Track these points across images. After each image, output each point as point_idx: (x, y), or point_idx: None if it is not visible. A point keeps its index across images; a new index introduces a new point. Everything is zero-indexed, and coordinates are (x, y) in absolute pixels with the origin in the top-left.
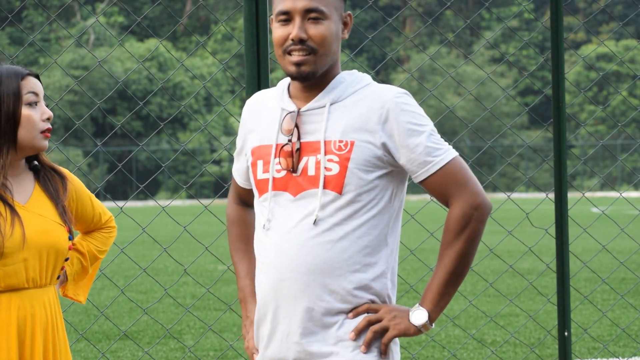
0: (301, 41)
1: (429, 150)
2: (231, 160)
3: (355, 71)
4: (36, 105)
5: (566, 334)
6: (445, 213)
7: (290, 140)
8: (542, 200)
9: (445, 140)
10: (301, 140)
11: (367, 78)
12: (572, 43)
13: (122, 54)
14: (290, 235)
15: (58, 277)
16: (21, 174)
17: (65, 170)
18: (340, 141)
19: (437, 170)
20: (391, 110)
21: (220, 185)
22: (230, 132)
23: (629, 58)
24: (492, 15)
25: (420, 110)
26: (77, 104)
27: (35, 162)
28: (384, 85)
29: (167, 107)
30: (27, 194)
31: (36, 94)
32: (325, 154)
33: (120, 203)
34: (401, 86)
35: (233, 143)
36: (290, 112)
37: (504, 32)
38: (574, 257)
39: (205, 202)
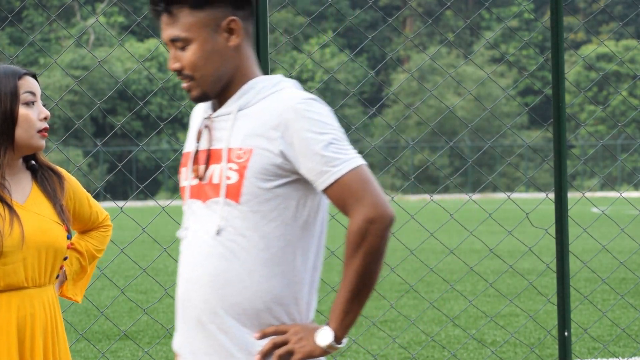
0: (178, 71)
1: (327, 159)
2: None
3: (272, 76)
4: (33, 104)
5: (566, 334)
6: (446, 215)
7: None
8: (542, 200)
9: (447, 140)
10: (211, 148)
11: (282, 83)
12: (572, 43)
13: (122, 54)
14: (195, 246)
15: (57, 277)
16: (19, 173)
17: (62, 170)
18: (240, 149)
19: (335, 181)
20: (291, 118)
21: None
22: None
23: (629, 58)
24: (492, 15)
25: (325, 117)
26: (77, 104)
27: (33, 162)
28: (293, 91)
29: (167, 107)
30: (25, 193)
31: (33, 94)
32: (228, 162)
33: (120, 203)
34: (401, 86)
35: None
36: (204, 119)
37: (504, 32)
38: (574, 257)
39: None
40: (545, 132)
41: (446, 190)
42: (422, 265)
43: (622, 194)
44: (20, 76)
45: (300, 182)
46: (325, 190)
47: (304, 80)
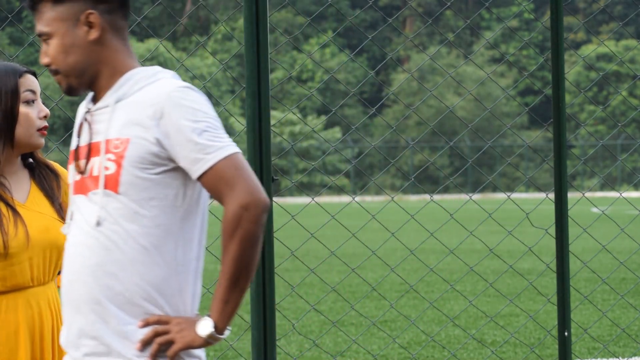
0: (47, 65)
1: (201, 147)
2: None
3: (150, 67)
4: (33, 103)
5: (566, 334)
6: (446, 215)
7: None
8: (542, 200)
9: (447, 140)
10: (91, 142)
11: (159, 74)
12: (572, 43)
13: None
14: (77, 237)
15: (59, 273)
16: (17, 171)
17: (58, 166)
18: (117, 139)
19: (209, 169)
20: (166, 106)
21: None
22: (230, 132)
23: (629, 58)
24: (492, 15)
25: (200, 105)
26: (77, 104)
27: (30, 160)
28: (170, 80)
29: None
30: (25, 192)
31: (34, 92)
32: (106, 153)
33: None
34: (401, 86)
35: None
36: (85, 114)
37: (504, 32)
38: (574, 257)
39: None
40: (545, 132)
41: (446, 190)
42: (422, 265)
43: (622, 194)
44: (21, 74)
45: (178, 171)
46: (200, 178)
47: (304, 80)
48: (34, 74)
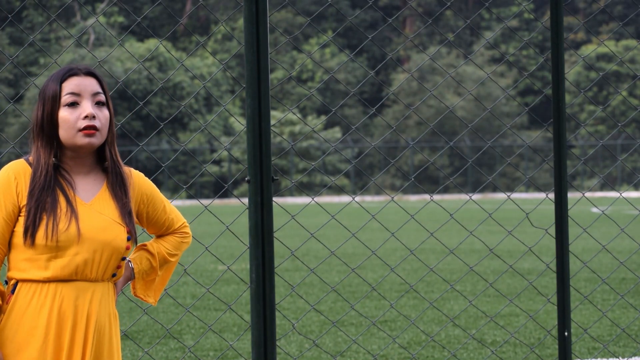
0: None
1: None
2: (231, 160)
3: None
4: (77, 105)
5: (566, 334)
6: (446, 215)
7: None
8: (542, 200)
9: (447, 140)
10: None
11: None
12: (572, 43)
13: (122, 54)
14: None
15: (114, 275)
16: (90, 172)
17: (137, 174)
18: None
19: None
20: None
21: (220, 185)
22: (230, 132)
23: (629, 58)
24: (492, 15)
25: None
26: None
27: (105, 164)
28: None
29: (167, 107)
30: (93, 192)
31: (76, 94)
32: None
33: None
34: (401, 86)
35: (233, 143)
36: None
37: (504, 32)
38: (574, 257)
39: (205, 202)
40: (545, 132)
41: (446, 190)
42: (422, 265)
43: (622, 194)
44: (64, 79)
45: None
46: None
47: (304, 80)
48: (87, 74)
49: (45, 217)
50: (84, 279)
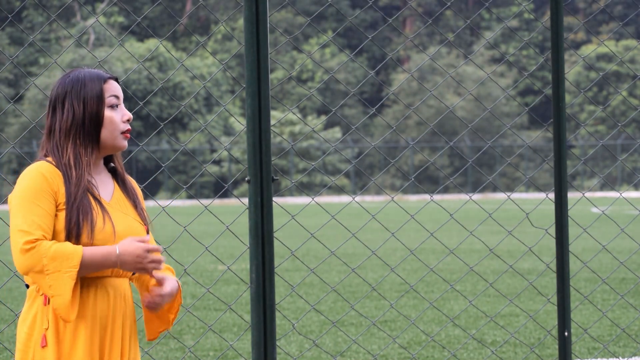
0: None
1: None
2: (231, 160)
3: None
4: (117, 107)
5: (566, 334)
6: (446, 215)
7: None
8: (542, 200)
9: (447, 140)
10: None
11: None
12: (572, 43)
13: (122, 54)
14: None
15: (134, 274)
16: (101, 173)
17: (129, 177)
18: None
19: None
20: None
21: (220, 186)
22: (230, 132)
23: (629, 58)
24: (492, 15)
25: None
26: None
27: (112, 164)
28: None
29: (167, 107)
30: (110, 192)
31: (117, 97)
32: None
33: None
34: (401, 86)
35: (233, 143)
36: None
37: (504, 32)
38: (574, 257)
39: (205, 202)
40: (545, 132)
41: (446, 190)
42: (422, 265)
43: (622, 194)
44: (105, 80)
45: None
46: None
47: (304, 80)
48: (117, 80)
49: (86, 217)
50: (117, 276)
